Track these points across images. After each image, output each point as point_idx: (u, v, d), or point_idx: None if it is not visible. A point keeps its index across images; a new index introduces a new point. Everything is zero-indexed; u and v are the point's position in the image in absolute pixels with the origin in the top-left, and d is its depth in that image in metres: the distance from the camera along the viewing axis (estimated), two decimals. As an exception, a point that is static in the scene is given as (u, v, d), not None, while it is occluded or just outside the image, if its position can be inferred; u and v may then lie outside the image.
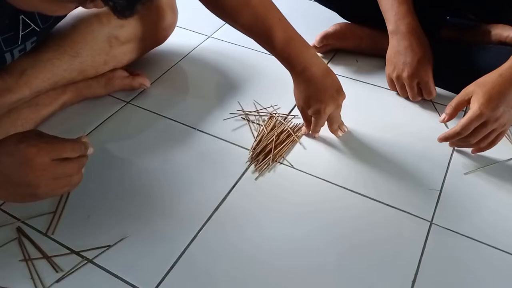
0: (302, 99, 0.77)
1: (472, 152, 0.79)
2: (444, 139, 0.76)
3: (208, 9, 0.78)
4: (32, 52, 0.77)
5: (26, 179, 0.56)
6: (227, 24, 1.14)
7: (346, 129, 0.84)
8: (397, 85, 0.90)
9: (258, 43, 0.77)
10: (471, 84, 0.74)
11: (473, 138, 0.73)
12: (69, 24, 0.81)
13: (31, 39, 0.72)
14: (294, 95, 0.79)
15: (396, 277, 0.63)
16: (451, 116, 0.76)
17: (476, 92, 0.72)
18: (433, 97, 0.88)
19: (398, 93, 0.92)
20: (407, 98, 0.91)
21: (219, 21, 1.15)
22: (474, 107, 0.71)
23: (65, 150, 0.58)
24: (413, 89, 0.87)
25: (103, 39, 0.83)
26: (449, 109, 0.76)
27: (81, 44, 0.81)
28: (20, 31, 0.68)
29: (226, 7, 0.75)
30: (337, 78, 0.76)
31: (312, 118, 0.78)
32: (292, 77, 0.77)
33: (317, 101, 0.75)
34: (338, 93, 0.76)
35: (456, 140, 0.75)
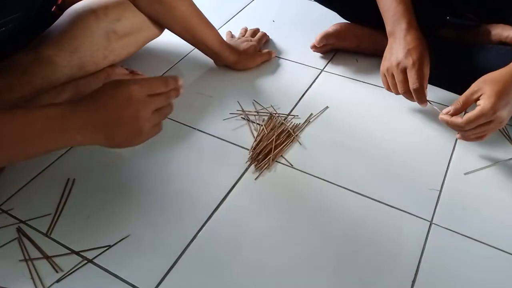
0: None
1: (458, 137, 0.78)
2: (444, 121, 0.75)
3: None
4: (31, 50, 0.77)
5: (130, 113, 0.61)
6: (227, 24, 1.15)
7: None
8: (388, 78, 0.85)
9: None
10: (479, 81, 0.73)
11: (472, 132, 0.73)
12: (66, 21, 0.81)
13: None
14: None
15: (396, 277, 0.63)
16: (456, 111, 0.75)
17: (487, 90, 0.70)
18: (425, 104, 0.82)
19: (388, 89, 0.87)
20: (407, 98, 0.90)
21: (219, 21, 1.15)
22: (486, 106, 0.69)
23: (158, 86, 0.64)
24: (400, 76, 0.81)
25: (101, 34, 0.83)
26: (456, 104, 0.74)
27: (79, 39, 0.81)
28: None
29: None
30: None
31: None
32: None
33: None
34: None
35: (454, 127, 0.75)
